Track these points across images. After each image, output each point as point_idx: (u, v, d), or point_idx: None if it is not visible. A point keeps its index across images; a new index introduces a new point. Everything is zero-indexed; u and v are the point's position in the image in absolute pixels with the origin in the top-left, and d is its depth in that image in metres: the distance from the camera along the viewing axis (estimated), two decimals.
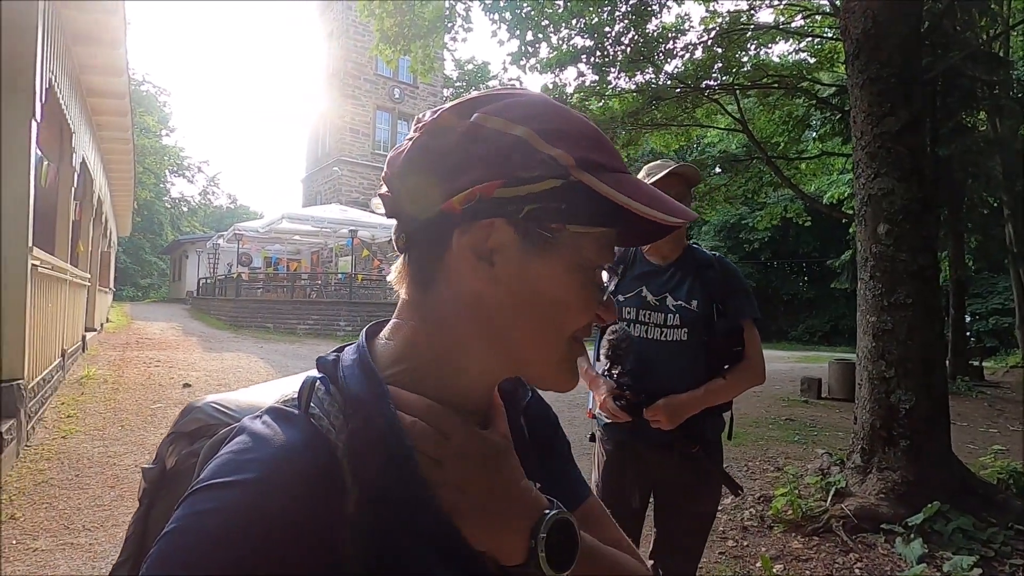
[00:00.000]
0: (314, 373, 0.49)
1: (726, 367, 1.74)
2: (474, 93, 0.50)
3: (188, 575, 0.34)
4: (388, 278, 0.53)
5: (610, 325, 1.71)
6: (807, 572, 2.82)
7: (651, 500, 1.85)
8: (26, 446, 4.18)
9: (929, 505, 3.04)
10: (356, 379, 0.47)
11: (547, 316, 0.48)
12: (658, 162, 1.82)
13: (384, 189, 0.50)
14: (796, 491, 3.48)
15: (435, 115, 0.49)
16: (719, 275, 1.78)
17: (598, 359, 1.81)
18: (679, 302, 1.74)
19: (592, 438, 1.89)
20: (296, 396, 0.44)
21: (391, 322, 0.52)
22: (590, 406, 1.86)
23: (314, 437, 0.41)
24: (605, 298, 0.51)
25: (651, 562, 1.83)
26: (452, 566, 0.44)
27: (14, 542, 2.86)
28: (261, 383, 0.61)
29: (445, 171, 0.46)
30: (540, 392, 0.64)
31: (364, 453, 0.43)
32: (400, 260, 0.51)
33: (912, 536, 2.93)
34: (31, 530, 3.00)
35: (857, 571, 2.79)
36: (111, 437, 4.70)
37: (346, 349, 0.51)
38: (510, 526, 0.47)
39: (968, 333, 16.19)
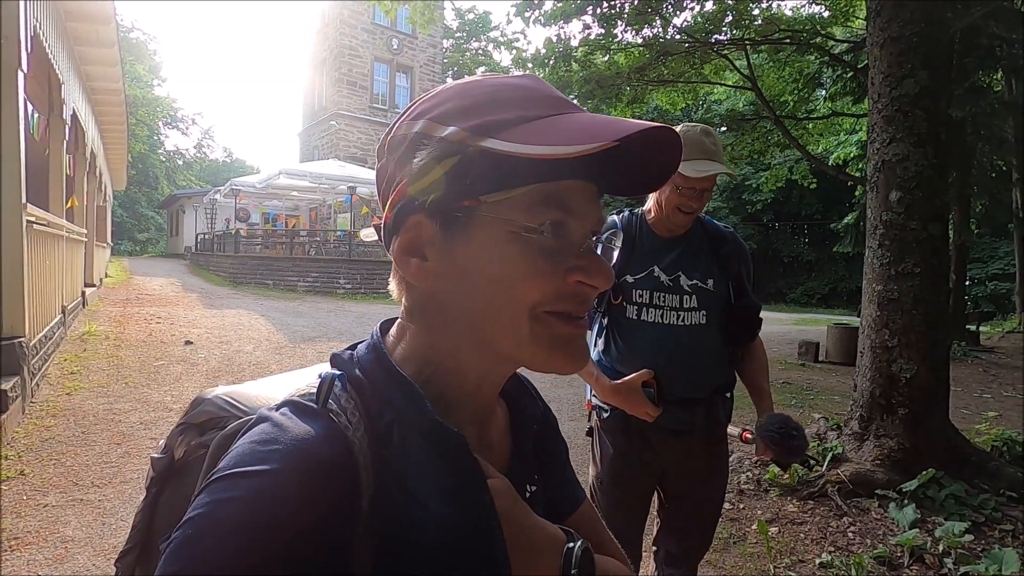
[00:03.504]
0: (329, 369, 0.48)
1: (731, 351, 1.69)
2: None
3: (209, 562, 0.34)
4: (389, 288, 0.54)
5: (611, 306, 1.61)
6: (801, 534, 2.89)
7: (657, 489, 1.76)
8: (31, 403, 4.22)
9: (924, 472, 3.10)
10: (380, 378, 0.47)
11: (491, 296, 0.45)
12: (688, 134, 1.54)
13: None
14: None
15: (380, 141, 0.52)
16: (735, 251, 1.66)
17: (596, 345, 1.68)
18: (694, 281, 1.60)
19: (589, 432, 1.73)
20: (311, 390, 0.44)
21: (396, 322, 0.53)
22: (589, 396, 1.73)
23: (333, 432, 0.41)
24: (575, 260, 0.45)
25: (654, 549, 1.78)
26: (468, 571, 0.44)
27: (24, 498, 2.92)
28: (269, 376, 0.61)
29: (383, 189, 0.50)
30: (539, 391, 0.64)
31: (397, 447, 0.44)
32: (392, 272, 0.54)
33: (906, 502, 2.99)
34: (40, 486, 3.06)
35: (850, 534, 2.86)
36: (115, 394, 4.74)
37: (359, 347, 0.52)
38: (543, 563, 0.48)
39: (966, 297, 16.25)
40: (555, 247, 0.45)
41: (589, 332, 1.71)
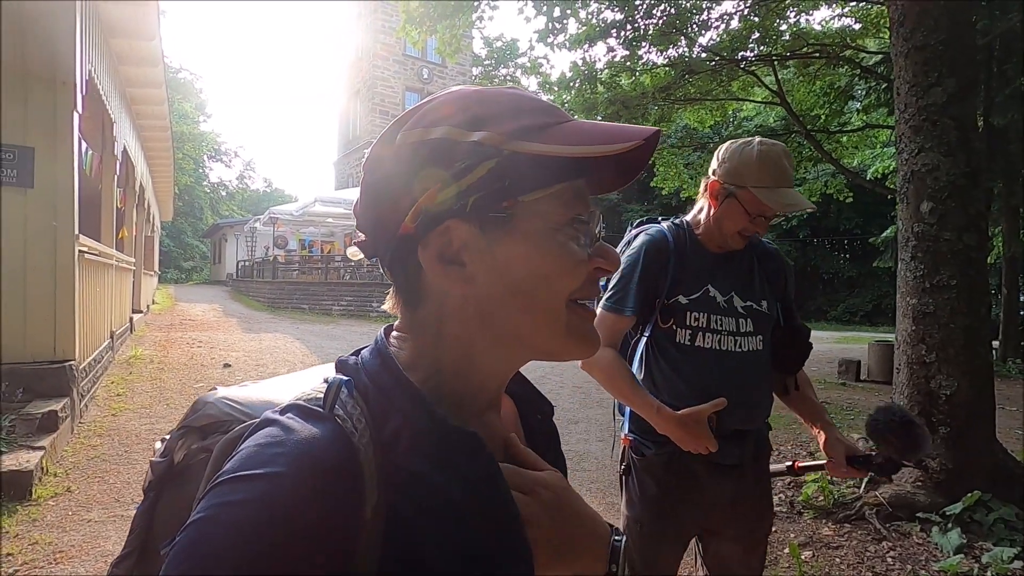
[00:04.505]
0: (334, 373, 0.49)
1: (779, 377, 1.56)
2: (399, 116, 0.51)
3: (213, 565, 0.34)
4: (384, 307, 0.54)
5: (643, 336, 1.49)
6: (837, 559, 2.78)
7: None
8: (79, 423, 4.43)
9: (969, 494, 2.95)
10: (386, 383, 0.47)
11: (535, 291, 0.47)
12: (769, 154, 1.37)
13: (360, 236, 0.53)
14: (828, 477, 3.41)
15: (369, 152, 0.50)
16: (782, 269, 1.55)
17: (643, 374, 1.51)
18: (748, 303, 1.47)
19: (627, 471, 1.54)
20: (317, 394, 0.44)
21: (394, 334, 0.53)
22: (625, 431, 1.56)
23: (339, 437, 0.41)
24: (593, 249, 0.50)
25: None
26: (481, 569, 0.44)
27: (70, 514, 3.05)
28: (270, 378, 0.62)
29: (391, 199, 0.48)
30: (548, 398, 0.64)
31: (404, 453, 0.43)
32: (391, 290, 0.53)
33: (950, 526, 2.84)
34: (85, 502, 3.20)
35: (889, 559, 2.73)
36: (157, 415, 4.93)
37: (362, 352, 0.52)
38: (592, 554, 0.50)
39: (1022, 313, 15.40)
40: (583, 237, 0.49)
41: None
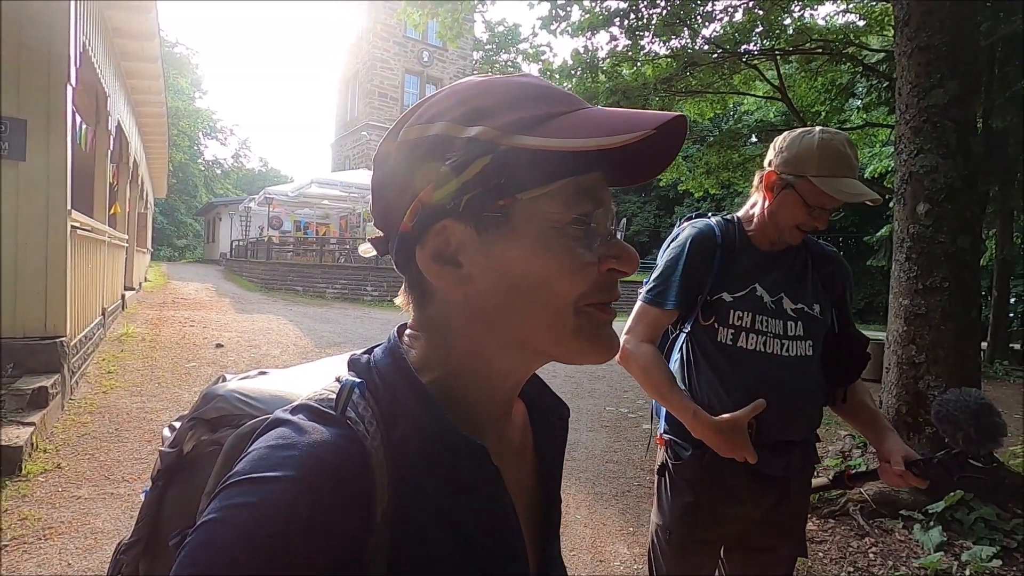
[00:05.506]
0: (347, 373, 0.48)
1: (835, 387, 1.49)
2: (406, 111, 0.50)
3: (221, 567, 0.34)
4: (396, 301, 0.53)
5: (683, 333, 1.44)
6: (820, 554, 2.83)
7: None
8: (70, 400, 4.42)
9: (951, 494, 3.00)
10: (398, 384, 0.46)
11: (536, 294, 0.45)
12: (831, 143, 1.31)
13: (378, 233, 0.53)
14: (815, 473, 3.45)
15: (377, 149, 0.50)
16: (839, 273, 1.46)
17: (684, 380, 1.45)
18: (799, 306, 1.38)
19: (661, 471, 1.47)
20: (329, 394, 0.44)
21: (407, 332, 0.52)
22: (661, 431, 1.49)
23: (351, 441, 0.40)
24: (607, 247, 0.46)
25: None
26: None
27: (59, 490, 3.06)
28: (281, 369, 0.61)
29: (393, 196, 0.48)
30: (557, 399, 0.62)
31: (412, 457, 0.43)
32: (403, 286, 0.53)
33: (931, 523, 2.90)
34: (75, 479, 3.20)
35: (871, 555, 2.78)
36: (148, 393, 4.92)
37: (375, 351, 0.51)
38: None
39: (1011, 315, 15.57)
40: (590, 238, 0.45)
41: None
